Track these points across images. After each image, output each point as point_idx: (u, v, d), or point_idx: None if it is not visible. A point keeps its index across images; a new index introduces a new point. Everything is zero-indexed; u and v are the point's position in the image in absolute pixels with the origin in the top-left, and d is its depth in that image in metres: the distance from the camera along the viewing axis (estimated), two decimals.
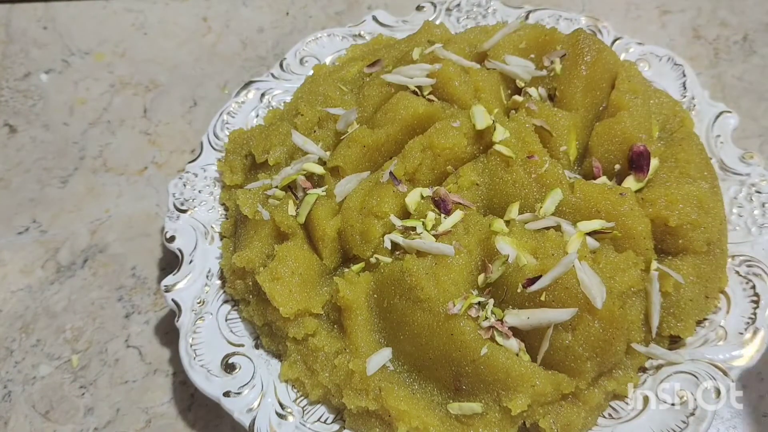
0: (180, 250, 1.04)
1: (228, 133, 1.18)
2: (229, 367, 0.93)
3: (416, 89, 1.04)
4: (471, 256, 0.89)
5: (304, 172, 1.01)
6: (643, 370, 0.90)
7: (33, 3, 1.61)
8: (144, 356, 1.08)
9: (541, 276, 0.83)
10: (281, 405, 0.91)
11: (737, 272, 0.94)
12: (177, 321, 0.97)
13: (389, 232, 0.93)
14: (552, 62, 1.06)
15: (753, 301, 0.91)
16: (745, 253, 0.96)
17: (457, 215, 0.92)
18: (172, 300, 0.99)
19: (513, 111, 1.04)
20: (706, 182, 0.97)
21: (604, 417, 0.87)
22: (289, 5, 1.59)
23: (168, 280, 1.01)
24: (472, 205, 0.94)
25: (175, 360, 1.05)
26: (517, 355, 0.84)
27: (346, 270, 0.95)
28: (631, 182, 0.95)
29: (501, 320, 0.84)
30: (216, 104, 1.35)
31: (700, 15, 1.47)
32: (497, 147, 0.96)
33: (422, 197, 0.94)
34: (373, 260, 0.93)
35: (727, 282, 0.94)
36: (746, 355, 0.86)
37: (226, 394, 0.90)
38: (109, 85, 1.46)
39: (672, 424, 0.83)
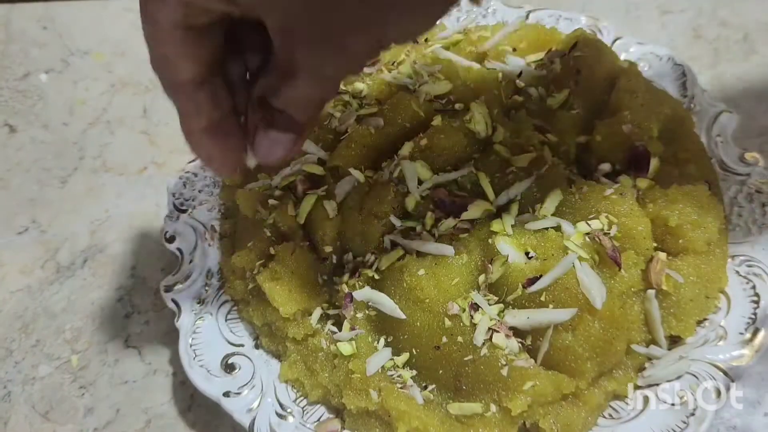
0: (180, 250, 1.04)
1: None
2: (228, 368, 0.93)
3: (416, 89, 1.04)
4: (471, 256, 0.89)
5: (304, 173, 1.00)
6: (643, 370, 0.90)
7: (33, 3, 1.60)
8: (144, 356, 1.07)
9: (541, 276, 0.83)
10: (281, 405, 0.91)
11: (737, 272, 0.94)
12: (177, 321, 0.97)
13: (389, 233, 0.93)
14: (552, 62, 1.06)
15: (753, 301, 0.91)
16: (745, 253, 0.95)
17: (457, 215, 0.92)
18: (172, 300, 0.99)
19: (513, 111, 1.04)
20: (706, 182, 0.97)
21: (604, 417, 0.87)
22: None
23: (168, 280, 1.01)
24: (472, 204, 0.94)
25: (175, 360, 1.04)
26: (517, 355, 0.84)
27: (346, 270, 0.95)
28: (630, 182, 0.95)
29: (501, 320, 0.84)
30: None
31: (700, 15, 1.46)
32: (497, 147, 0.96)
33: (422, 197, 0.94)
34: (372, 260, 0.93)
35: (727, 282, 0.93)
36: (746, 355, 0.86)
37: (226, 394, 0.90)
38: (108, 85, 1.46)
39: (672, 424, 0.83)
